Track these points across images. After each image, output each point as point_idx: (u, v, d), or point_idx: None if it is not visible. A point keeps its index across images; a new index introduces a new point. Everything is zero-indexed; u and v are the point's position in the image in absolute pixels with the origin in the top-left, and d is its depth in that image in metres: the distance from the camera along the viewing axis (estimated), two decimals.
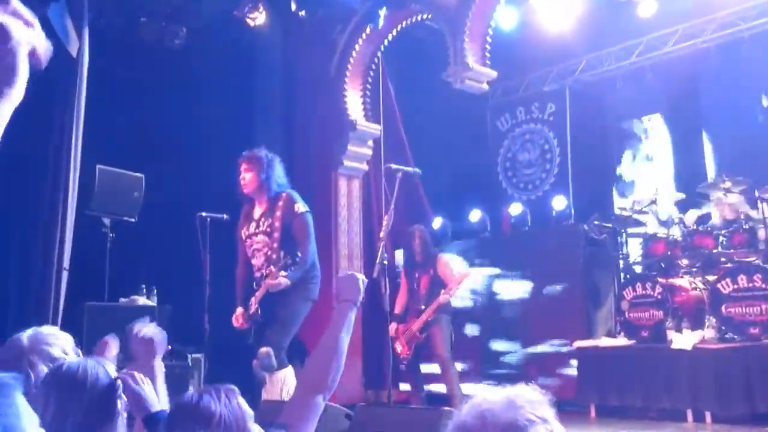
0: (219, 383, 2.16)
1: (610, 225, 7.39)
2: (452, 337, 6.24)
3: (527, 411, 1.10)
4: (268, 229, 4.83)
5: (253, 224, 4.92)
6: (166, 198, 6.48)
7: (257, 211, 4.94)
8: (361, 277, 2.28)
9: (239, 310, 4.88)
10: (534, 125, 9.28)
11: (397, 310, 6.38)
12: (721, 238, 6.28)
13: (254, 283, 4.87)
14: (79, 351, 2.43)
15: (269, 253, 4.79)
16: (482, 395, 1.16)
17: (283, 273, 4.62)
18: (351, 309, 2.22)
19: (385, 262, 4.75)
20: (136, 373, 2.09)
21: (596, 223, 7.56)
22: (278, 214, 4.81)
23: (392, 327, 6.20)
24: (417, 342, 6.19)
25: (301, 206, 4.84)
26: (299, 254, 4.70)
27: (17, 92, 1.04)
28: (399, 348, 6.26)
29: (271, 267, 4.69)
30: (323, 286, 4.98)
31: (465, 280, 6.32)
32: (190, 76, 7.05)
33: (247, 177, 4.89)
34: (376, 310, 5.68)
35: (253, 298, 4.80)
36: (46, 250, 5.51)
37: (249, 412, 1.87)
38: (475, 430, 1.10)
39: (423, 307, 6.15)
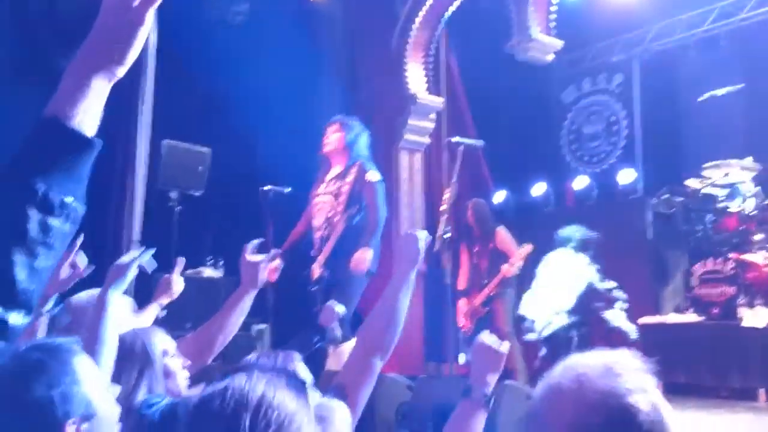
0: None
1: (680, 199, 7.18)
2: (515, 311, 6.19)
3: (626, 379, 1.05)
4: (336, 191, 4.86)
5: (323, 185, 4.97)
6: (232, 172, 6.58)
7: (331, 174, 4.98)
8: (423, 236, 2.20)
9: (276, 261, 4.93)
10: (600, 97, 9.06)
11: (461, 285, 6.36)
12: None
13: (312, 247, 4.89)
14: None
15: (331, 214, 4.81)
16: (578, 359, 1.11)
17: (365, 252, 4.59)
18: (410, 270, 2.15)
19: (447, 236, 4.72)
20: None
21: (665, 197, 7.36)
22: (349, 179, 4.84)
23: (458, 303, 6.21)
24: (479, 316, 6.16)
25: (374, 175, 4.85)
26: (369, 221, 4.71)
27: (124, 71, 1.06)
28: (461, 322, 6.25)
29: (336, 222, 4.71)
30: (383, 258, 4.99)
31: (528, 255, 6.24)
32: (253, 51, 7.10)
33: (332, 138, 4.95)
34: (438, 284, 5.67)
35: (317, 261, 4.83)
36: (117, 223, 5.68)
37: (308, 377, 1.90)
38: (570, 393, 1.05)
39: (485, 281, 6.11)
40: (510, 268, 6.00)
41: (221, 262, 6.54)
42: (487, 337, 1.94)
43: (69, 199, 0.98)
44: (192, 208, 6.34)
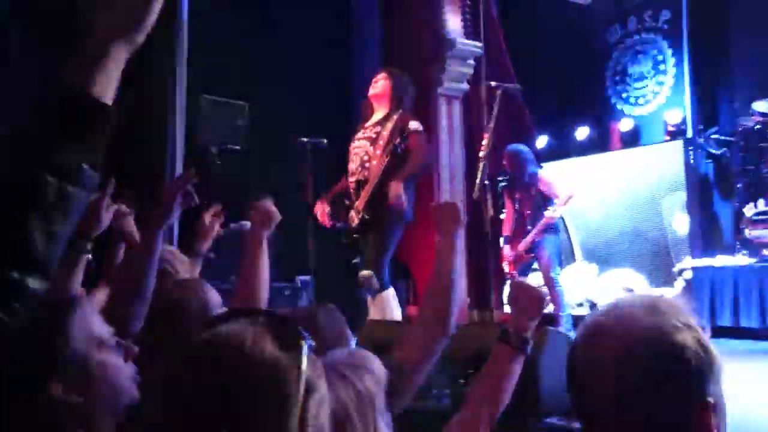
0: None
1: (730, 138, 6.96)
2: (561, 256, 6.13)
3: (672, 316, 1.04)
4: (374, 136, 4.85)
5: (362, 130, 4.97)
6: (269, 124, 6.59)
7: (371, 120, 4.98)
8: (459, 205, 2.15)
9: (320, 205, 4.98)
10: (646, 35, 8.74)
11: (506, 231, 6.32)
12: None
13: (346, 195, 4.91)
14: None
15: (366, 158, 4.81)
16: (621, 299, 1.10)
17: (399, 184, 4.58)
18: (456, 238, 2.07)
19: (486, 182, 4.66)
20: None
21: (715, 136, 7.15)
22: (389, 125, 4.83)
23: (502, 249, 6.18)
24: (523, 262, 6.12)
25: (416, 124, 4.83)
26: (408, 163, 4.70)
27: (142, 38, 1.06)
28: (506, 268, 6.23)
29: (372, 164, 4.72)
30: (423, 207, 4.96)
31: (571, 200, 6.13)
32: (284, 6, 7.03)
33: (380, 84, 4.96)
34: (479, 231, 5.63)
35: (354, 207, 4.84)
36: (157, 180, 5.74)
37: (349, 334, 1.91)
38: (616, 330, 1.04)
39: (529, 227, 6.05)
40: (553, 214, 5.92)
41: None
42: (523, 281, 1.89)
43: (86, 166, 0.99)
44: (232, 162, 6.38)
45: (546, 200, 6.04)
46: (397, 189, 4.60)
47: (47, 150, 0.96)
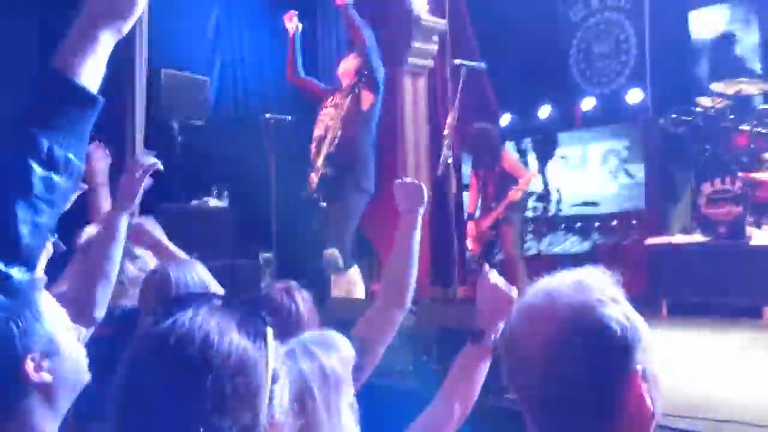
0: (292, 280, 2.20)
1: (689, 118, 7.06)
2: (524, 234, 6.18)
3: (597, 291, 1.07)
4: (338, 103, 4.88)
5: (332, 99, 5.01)
6: (232, 100, 6.51)
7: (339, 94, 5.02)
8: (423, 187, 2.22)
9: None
10: (609, 14, 8.80)
11: (470, 209, 6.35)
12: None
13: (311, 159, 4.93)
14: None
15: (329, 122, 4.84)
16: (549, 278, 1.13)
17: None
18: (417, 218, 2.17)
19: (450, 160, 4.67)
20: None
21: (674, 116, 7.24)
22: (351, 95, 4.87)
23: (466, 226, 6.22)
24: (487, 239, 6.16)
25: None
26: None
27: (128, 26, 1.06)
28: (470, 245, 6.27)
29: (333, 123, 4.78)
30: (388, 183, 4.96)
31: (532, 180, 6.18)
32: None
33: (349, 62, 5.02)
34: (443, 208, 5.65)
35: (315, 167, 4.85)
36: (118, 155, 5.63)
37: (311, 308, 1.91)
38: (543, 311, 1.07)
39: (494, 205, 6.09)
40: (516, 193, 5.97)
41: (225, 192, 6.53)
42: (495, 277, 1.88)
43: (71, 156, 0.97)
44: (194, 138, 6.30)
45: (510, 178, 6.08)
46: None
47: (34, 137, 0.94)
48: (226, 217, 6.35)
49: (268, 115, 5.23)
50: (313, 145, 4.96)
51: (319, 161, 4.82)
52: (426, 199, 2.18)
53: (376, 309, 2.12)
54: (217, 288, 2.15)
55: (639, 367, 1.05)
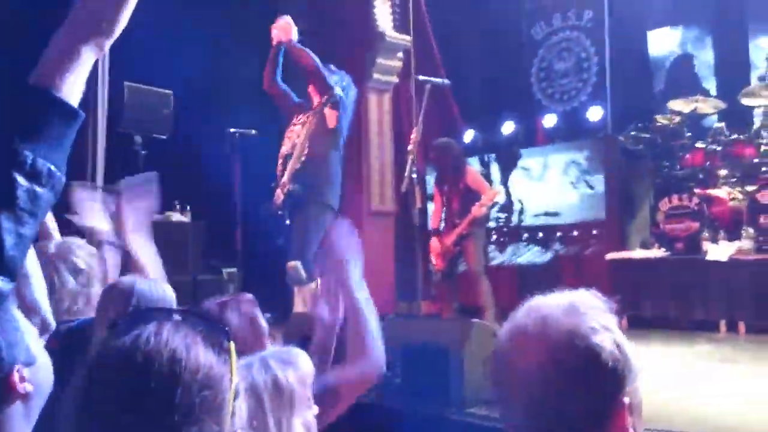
0: (254, 295, 2.17)
1: (647, 135, 7.22)
2: (485, 250, 6.23)
3: (591, 318, 1.06)
4: (306, 120, 4.87)
5: (298, 117, 5.00)
6: (197, 115, 6.47)
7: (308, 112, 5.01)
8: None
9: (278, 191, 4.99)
10: (570, 33, 8.98)
11: (434, 224, 6.38)
12: (762, 148, 6.10)
13: (278, 175, 4.92)
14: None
15: (297, 139, 4.83)
16: (541, 299, 1.12)
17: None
18: (349, 269, 1.98)
19: (414, 176, 4.71)
20: None
21: (633, 133, 7.40)
22: (316, 117, 4.86)
23: (430, 242, 6.24)
24: (451, 255, 6.19)
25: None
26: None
27: (110, 43, 1.08)
28: (434, 261, 6.29)
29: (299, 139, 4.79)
30: (352, 199, 4.99)
31: (496, 197, 6.24)
32: None
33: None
34: (407, 223, 5.68)
35: (281, 183, 4.84)
36: (79, 168, 5.57)
37: (263, 326, 1.89)
38: (535, 334, 1.06)
39: (458, 221, 6.13)
40: (480, 209, 6.02)
41: (188, 207, 6.48)
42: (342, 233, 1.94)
43: (53, 168, 0.99)
44: (157, 152, 6.24)
45: (473, 194, 6.14)
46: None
47: (17, 150, 0.96)
48: (189, 232, 6.30)
49: (232, 130, 5.22)
50: (280, 162, 4.96)
51: (286, 177, 4.82)
52: (347, 272, 2.00)
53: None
54: (167, 295, 2.14)
55: (626, 400, 1.04)
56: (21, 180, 0.96)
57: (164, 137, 6.33)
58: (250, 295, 2.07)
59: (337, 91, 4.79)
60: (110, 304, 1.99)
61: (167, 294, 2.07)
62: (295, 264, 4.71)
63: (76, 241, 2.46)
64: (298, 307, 4.78)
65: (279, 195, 4.84)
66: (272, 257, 5.16)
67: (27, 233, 0.98)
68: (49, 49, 1.02)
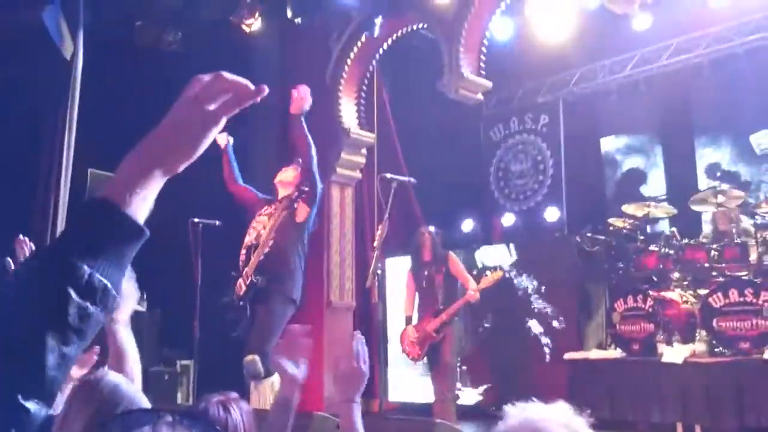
0: (209, 390, 2.14)
1: (602, 237, 7.40)
2: (462, 340, 6.20)
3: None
4: (273, 211, 4.89)
5: (265, 207, 4.99)
6: (158, 203, 6.43)
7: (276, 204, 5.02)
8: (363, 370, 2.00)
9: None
10: (527, 136, 9.30)
11: (408, 312, 6.31)
12: (713, 253, 6.29)
13: (240, 265, 4.86)
14: None
15: (262, 230, 4.82)
16: (534, 409, 1.13)
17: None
18: (353, 408, 1.94)
19: (379, 272, 4.73)
20: None
21: (589, 235, 7.57)
22: (288, 203, 4.90)
23: (405, 330, 6.15)
24: (432, 342, 6.06)
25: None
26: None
27: (184, 166, 1.05)
28: (408, 349, 6.16)
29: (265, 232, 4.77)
30: (312, 291, 4.97)
31: (497, 281, 6.21)
32: (185, 80, 7.01)
33: (289, 173, 5.03)
34: (368, 319, 5.66)
35: (244, 274, 4.78)
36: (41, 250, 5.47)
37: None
38: None
39: (441, 306, 6.06)
40: (475, 295, 6.01)
41: (144, 296, 6.35)
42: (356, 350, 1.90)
43: (109, 286, 0.94)
44: None
45: (455, 280, 6.14)
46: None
47: (76, 264, 0.91)
48: (144, 321, 6.16)
49: (195, 219, 5.20)
50: (243, 252, 4.94)
51: (249, 268, 4.80)
52: (363, 385, 1.97)
53: None
54: (145, 400, 2.07)
55: None
56: (74, 296, 0.91)
57: None
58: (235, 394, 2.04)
59: (319, 186, 4.86)
60: (88, 400, 1.91)
61: (133, 391, 2.01)
62: (253, 357, 4.62)
63: None
64: (255, 402, 4.66)
65: (241, 286, 4.80)
66: (229, 349, 5.06)
67: (71, 353, 0.92)
68: (121, 166, 1.01)
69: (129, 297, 2.47)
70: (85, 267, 0.92)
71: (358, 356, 1.97)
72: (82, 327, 0.92)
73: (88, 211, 0.97)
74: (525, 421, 1.10)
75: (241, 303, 4.78)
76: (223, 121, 1.04)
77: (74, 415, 1.89)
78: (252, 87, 1.03)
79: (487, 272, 6.33)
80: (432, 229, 6.44)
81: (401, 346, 6.20)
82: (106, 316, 0.97)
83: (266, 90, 1.04)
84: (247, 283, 4.76)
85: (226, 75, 1.04)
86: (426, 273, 6.21)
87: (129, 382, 2.01)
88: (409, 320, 6.24)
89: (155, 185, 1.02)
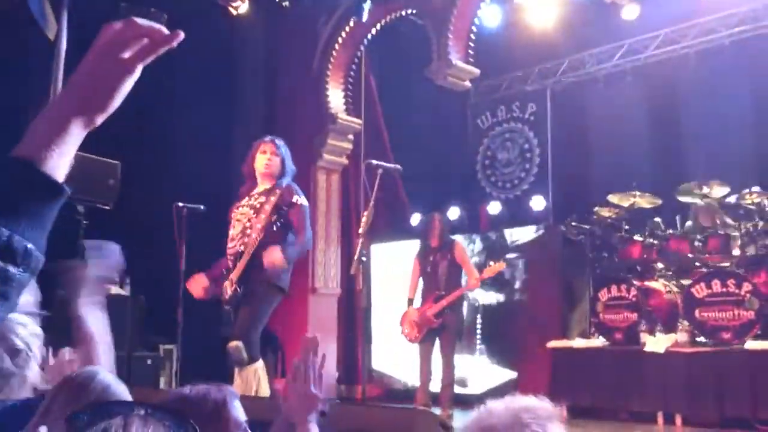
0: (192, 376, 2.11)
1: (587, 226, 7.42)
2: (462, 328, 6.23)
3: (534, 429, 1.08)
4: (258, 205, 4.75)
5: (246, 198, 4.84)
6: (143, 187, 6.39)
7: (257, 189, 4.86)
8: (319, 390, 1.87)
9: (197, 278, 4.78)
10: (514, 124, 9.30)
11: (411, 294, 6.31)
12: (696, 243, 6.33)
13: (228, 262, 4.75)
14: (45, 349, 2.34)
15: (248, 226, 4.69)
16: (489, 408, 1.13)
17: (278, 249, 4.49)
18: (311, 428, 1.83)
19: (364, 258, 4.71)
20: None
21: (574, 224, 7.59)
22: (273, 199, 4.73)
23: (406, 312, 6.15)
24: (431, 326, 6.05)
25: (301, 199, 4.78)
26: (295, 238, 4.65)
27: (104, 118, 1.01)
28: (407, 331, 6.15)
29: (251, 236, 4.61)
30: (297, 278, 4.93)
31: (500, 271, 6.24)
32: (170, 64, 6.93)
33: (275, 160, 4.85)
34: (353, 306, 5.65)
35: (229, 278, 4.69)
36: None
37: (236, 418, 1.85)
38: None
39: (443, 292, 6.06)
40: (477, 282, 6.04)
41: (128, 280, 6.32)
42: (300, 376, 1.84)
43: (31, 247, 0.91)
44: (99, 223, 6.10)
45: (459, 267, 6.15)
46: (273, 255, 4.48)
47: None
48: (127, 306, 6.12)
49: (180, 204, 5.15)
50: (230, 247, 4.79)
51: (234, 275, 4.67)
52: (319, 407, 1.86)
53: None
54: (125, 391, 2.03)
55: None
56: None
57: (108, 208, 6.20)
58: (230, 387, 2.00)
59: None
60: (77, 398, 1.87)
61: (126, 394, 1.97)
62: (237, 344, 4.57)
63: (22, 319, 2.32)
64: (238, 388, 4.64)
65: (226, 289, 4.70)
66: (213, 336, 5.05)
67: None
68: (35, 121, 0.95)
69: (95, 278, 2.40)
70: (2, 229, 0.88)
71: (309, 379, 1.86)
72: (4, 289, 0.89)
73: (1, 171, 0.92)
74: (508, 413, 1.10)
75: (227, 307, 4.70)
76: (140, 69, 0.99)
77: (58, 413, 1.86)
78: (166, 32, 0.99)
79: (491, 262, 6.34)
80: (440, 214, 6.46)
81: (401, 326, 6.19)
82: (30, 276, 0.93)
83: (182, 35, 0.99)
84: (232, 289, 4.68)
85: (139, 20, 1.00)
86: (431, 258, 6.20)
87: (119, 382, 1.97)
88: (410, 302, 6.25)
89: (74, 140, 0.97)
